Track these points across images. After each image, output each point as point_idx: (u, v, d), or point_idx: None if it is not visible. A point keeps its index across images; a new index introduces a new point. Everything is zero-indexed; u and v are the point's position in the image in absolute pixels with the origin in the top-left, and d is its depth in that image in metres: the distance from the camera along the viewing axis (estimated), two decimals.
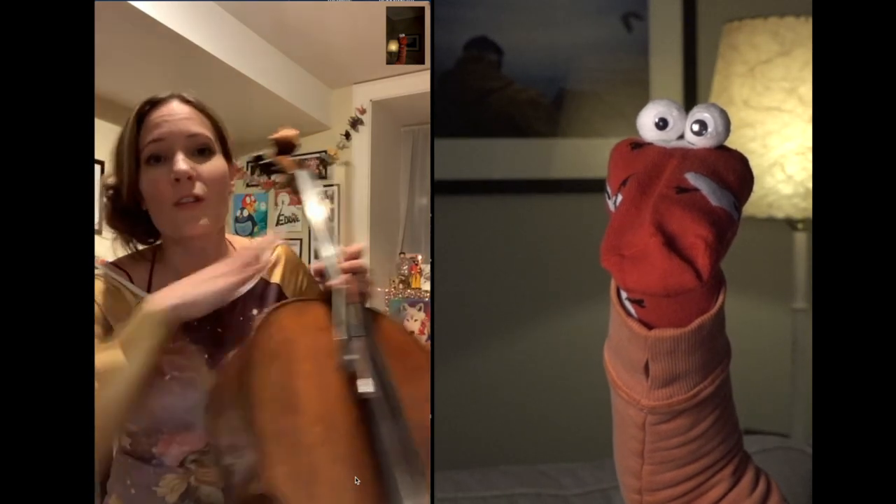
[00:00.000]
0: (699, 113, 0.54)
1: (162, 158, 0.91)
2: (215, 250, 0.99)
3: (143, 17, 2.16)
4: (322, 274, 0.94)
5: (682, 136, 0.55)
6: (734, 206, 0.52)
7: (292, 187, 1.04)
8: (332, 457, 0.80)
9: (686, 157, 0.53)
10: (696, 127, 0.54)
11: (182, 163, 0.90)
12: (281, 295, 1.03)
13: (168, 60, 2.54)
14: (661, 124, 0.55)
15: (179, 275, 0.95)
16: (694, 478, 0.61)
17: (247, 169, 1.17)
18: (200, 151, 0.93)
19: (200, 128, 0.94)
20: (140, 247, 0.99)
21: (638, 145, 0.56)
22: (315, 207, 0.99)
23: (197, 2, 2.49)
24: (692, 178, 0.51)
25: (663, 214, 0.49)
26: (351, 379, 0.86)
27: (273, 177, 1.06)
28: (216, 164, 0.95)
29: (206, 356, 0.92)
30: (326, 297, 0.92)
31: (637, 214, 0.50)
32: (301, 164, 1.06)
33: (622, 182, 0.54)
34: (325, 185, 3.66)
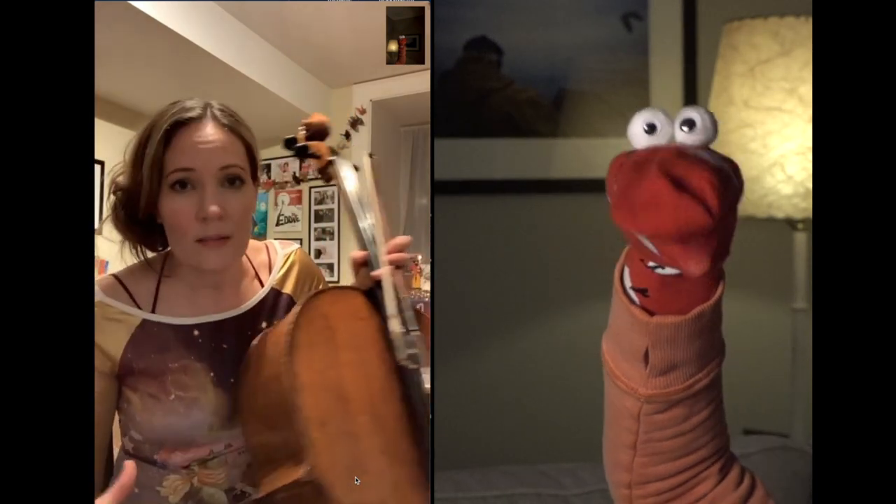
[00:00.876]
0: (686, 113, 0.56)
1: (189, 186, 0.84)
2: (229, 269, 0.94)
3: (143, 17, 2.16)
4: (364, 263, 0.92)
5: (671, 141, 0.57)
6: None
7: (326, 174, 1.03)
8: (378, 448, 0.80)
9: (681, 147, 0.55)
10: (685, 128, 0.55)
11: (213, 202, 0.83)
12: (293, 306, 0.99)
13: (168, 60, 2.54)
14: (649, 129, 0.56)
15: (191, 289, 0.93)
16: (684, 472, 0.62)
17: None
18: (230, 182, 0.87)
19: (234, 157, 0.87)
20: (149, 253, 0.95)
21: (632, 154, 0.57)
22: (355, 194, 0.98)
23: (197, 2, 2.49)
24: (691, 151, 0.53)
25: (667, 164, 0.51)
26: (394, 372, 0.86)
27: (308, 161, 1.04)
28: (246, 194, 0.88)
29: (212, 374, 0.90)
30: (362, 287, 0.91)
31: (641, 173, 0.52)
32: (334, 151, 1.05)
33: None
34: (325, 185, 3.67)
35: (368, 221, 0.95)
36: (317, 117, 1.05)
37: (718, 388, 0.61)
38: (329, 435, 0.76)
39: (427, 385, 0.84)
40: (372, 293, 0.91)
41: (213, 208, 0.83)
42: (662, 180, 0.50)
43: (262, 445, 0.79)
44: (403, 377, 0.86)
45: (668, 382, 0.57)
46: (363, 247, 0.93)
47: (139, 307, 0.90)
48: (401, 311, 0.87)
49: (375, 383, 0.84)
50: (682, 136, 0.55)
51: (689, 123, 0.55)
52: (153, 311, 0.90)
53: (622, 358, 0.59)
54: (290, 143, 1.04)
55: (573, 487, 1.14)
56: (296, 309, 0.83)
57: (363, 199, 0.98)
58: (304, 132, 1.05)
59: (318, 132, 1.05)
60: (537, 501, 1.11)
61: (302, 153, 1.03)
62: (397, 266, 0.91)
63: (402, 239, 0.94)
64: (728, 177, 0.52)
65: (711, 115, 0.56)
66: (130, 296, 0.90)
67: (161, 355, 0.88)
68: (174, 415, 0.87)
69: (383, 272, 0.89)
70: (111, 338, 0.87)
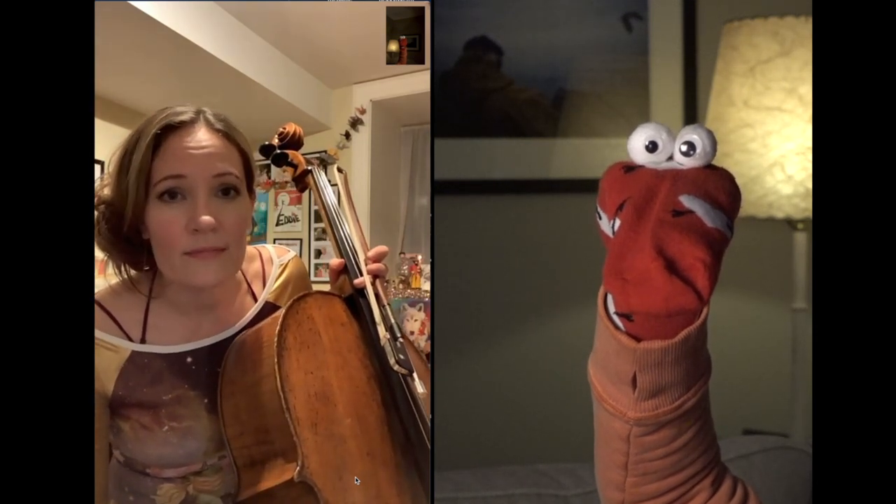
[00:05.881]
0: (687, 135, 0.56)
1: (178, 196, 0.78)
2: (223, 286, 0.89)
3: (143, 17, 2.16)
4: (344, 271, 0.92)
5: (670, 158, 0.57)
6: (727, 225, 0.54)
7: (303, 182, 1.03)
8: (363, 450, 0.81)
9: (678, 179, 0.55)
10: (684, 148, 0.56)
11: (206, 212, 0.77)
12: None
13: (168, 60, 2.54)
14: (651, 147, 0.56)
15: (183, 311, 0.87)
16: (677, 488, 0.62)
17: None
18: (225, 192, 0.80)
19: (229, 165, 0.81)
20: (132, 272, 0.87)
21: (630, 168, 0.57)
22: (334, 204, 0.99)
23: (197, 2, 2.49)
24: (686, 201, 0.53)
25: (662, 239, 0.51)
26: (374, 378, 0.87)
27: (284, 169, 1.04)
28: (241, 205, 0.82)
29: (206, 401, 0.86)
30: (342, 294, 0.92)
31: (636, 239, 0.52)
32: (309, 161, 1.06)
33: (619, 206, 0.55)
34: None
35: (346, 230, 0.96)
36: (292, 126, 1.06)
37: (706, 403, 0.61)
38: (319, 436, 0.77)
39: (420, 389, 0.84)
40: (349, 300, 0.92)
41: (206, 218, 0.77)
42: (656, 262, 0.50)
43: (246, 447, 0.79)
44: (384, 382, 0.87)
45: (657, 405, 0.57)
46: (341, 254, 0.94)
47: (127, 336, 0.84)
48: (385, 317, 0.87)
49: (358, 387, 0.85)
50: (681, 158, 0.56)
51: (690, 146, 0.55)
52: (143, 341, 0.84)
53: (609, 382, 0.59)
54: (267, 150, 1.03)
55: (573, 487, 1.14)
56: (282, 311, 0.83)
57: (340, 208, 0.99)
58: (279, 140, 1.05)
59: (294, 141, 1.05)
60: (537, 501, 1.11)
61: (281, 160, 1.03)
62: (376, 276, 0.91)
63: (381, 248, 0.94)
64: (721, 241, 0.52)
65: (712, 137, 0.56)
66: (117, 324, 0.83)
67: (153, 388, 0.83)
68: (168, 445, 0.84)
69: (366, 280, 0.89)
70: (99, 371, 0.81)
